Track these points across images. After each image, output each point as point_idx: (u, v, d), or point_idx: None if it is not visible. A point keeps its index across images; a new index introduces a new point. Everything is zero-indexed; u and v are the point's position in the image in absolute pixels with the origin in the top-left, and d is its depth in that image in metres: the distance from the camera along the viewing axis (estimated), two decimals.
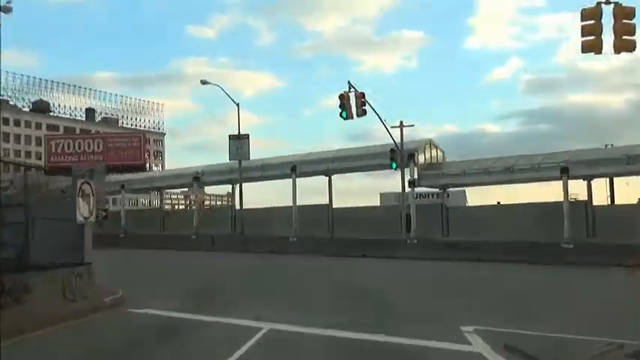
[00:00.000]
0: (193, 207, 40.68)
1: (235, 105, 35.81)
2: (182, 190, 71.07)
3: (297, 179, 34.53)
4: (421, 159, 31.60)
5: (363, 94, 26.34)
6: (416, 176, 30.98)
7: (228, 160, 36.14)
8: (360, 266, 24.69)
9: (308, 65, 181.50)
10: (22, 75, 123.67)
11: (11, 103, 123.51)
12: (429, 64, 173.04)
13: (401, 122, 30.99)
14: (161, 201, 45.82)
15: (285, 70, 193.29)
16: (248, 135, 35.74)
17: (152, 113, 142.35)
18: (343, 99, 25.92)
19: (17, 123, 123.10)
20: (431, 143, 32.85)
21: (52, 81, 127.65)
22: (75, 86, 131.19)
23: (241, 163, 35.52)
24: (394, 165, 30.26)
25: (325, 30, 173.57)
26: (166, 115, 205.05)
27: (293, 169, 34.02)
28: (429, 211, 31.62)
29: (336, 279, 19.74)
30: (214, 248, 34.26)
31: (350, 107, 26.05)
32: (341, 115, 25.81)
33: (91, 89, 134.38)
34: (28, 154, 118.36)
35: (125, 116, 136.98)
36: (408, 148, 30.84)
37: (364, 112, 26.39)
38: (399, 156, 30.16)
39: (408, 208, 30.74)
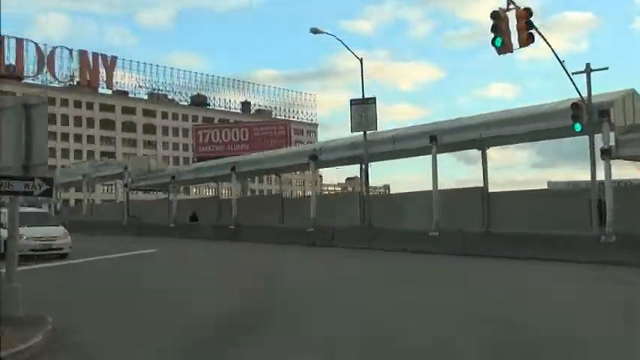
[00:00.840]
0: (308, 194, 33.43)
1: (359, 60, 27.73)
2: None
3: (439, 154, 25.81)
4: (619, 118, 21.38)
5: (528, 12, 17.11)
6: (612, 142, 20.87)
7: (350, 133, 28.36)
8: (543, 278, 15.80)
9: (465, 54, 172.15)
10: (184, 71, 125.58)
11: (169, 97, 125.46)
12: (599, 47, 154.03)
13: (588, 65, 21.14)
14: (280, 185, 39.32)
15: (443, 60, 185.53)
16: (374, 98, 27.50)
17: (306, 105, 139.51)
18: (499, 19, 16.86)
19: (175, 116, 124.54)
20: (633, 95, 22.36)
21: (212, 75, 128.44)
22: (234, 80, 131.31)
23: (366, 134, 27.47)
24: (578, 126, 20.44)
25: (482, 17, 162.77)
26: (322, 110, 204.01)
27: (433, 139, 25.24)
28: (632, 194, 21.55)
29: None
30: (333, 243, 26.65)
31: (507, 33, 16.93)
32: (494, 43, 16.72)
33: (248, 82, 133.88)
34: (175, 145, 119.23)
35: (279, 108, 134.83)
36: (599, 102, 20.94)
37: (530, 40, 17.09)
38: (584, 112, 20.36)
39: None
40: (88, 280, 16.08)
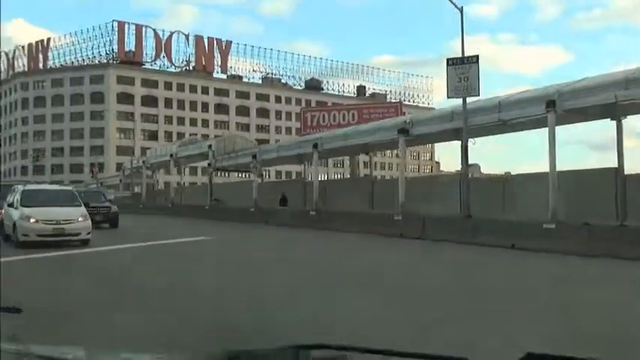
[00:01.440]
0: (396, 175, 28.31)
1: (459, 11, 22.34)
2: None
3: (558, 127, 20.05)
4: None
5: None
6: None
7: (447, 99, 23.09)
8: None
9: (596, 37, 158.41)
10: (298, 54, 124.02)
11: (283, 81, 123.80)
12: None
13: None
14: (370, 165, 34.54)
15: (571, 43, 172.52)
16: (477, 57, 21.90)
17: (422, 89, 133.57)
18: None
19: (288, 100, 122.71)
20: None
21: (328, 59, 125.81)
22: (349, 63, 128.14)
23: (466, 101, 22.09)
24: None
25: None
26: (439, 96, 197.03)
27: (550, 104, 19.49)
28: None
29: None
30: (424, 235, 21.75)
31: None
32: None
33: (364, 65, 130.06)
34: (288, 130, 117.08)
35: (394, 92, 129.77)
36: None
37: None
38: None
39: None
40: (65, 282, 12.33)
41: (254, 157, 33.93)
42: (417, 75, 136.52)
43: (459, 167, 23.66)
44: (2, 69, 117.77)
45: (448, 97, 22.56)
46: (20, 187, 18.47)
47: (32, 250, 15.47)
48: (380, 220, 24.76)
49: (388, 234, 22.87)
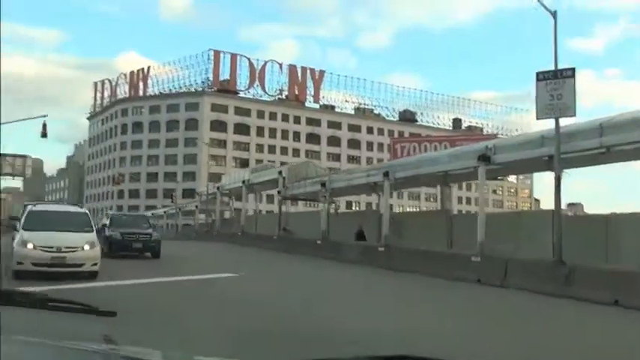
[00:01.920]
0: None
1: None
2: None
3: None
4: None
5: None
6: None
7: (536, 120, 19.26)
8: None
9: None
10: (392, 85, 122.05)
11: (376, 112, 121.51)
12: None
13: None
14: (447, 198, 30.68)
15: None
16: (573, 70, 18.22)
17: (522, 124, 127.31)
18: None
19: (381, 132, 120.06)
20: None
21: (423, 90, 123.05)
22: (445, 95, 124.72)
23: (559, 122, 18.28)
24: None
25: None
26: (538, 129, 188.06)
27: None
28: None
29: None
30: (506, 282, 18.06)
31: None
32: None
33: (459, 97, 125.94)
34: (380, 161, 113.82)
35: (491, 125, 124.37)
36: None
37: None
38: None
39: None
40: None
41: (323, 185, 31.17)
42: (518, 109, 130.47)
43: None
44: (105, 95, 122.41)
45: (537, 119, 18.81)
46: (29, 207, 16.36)
47: (27, 282, 13.19)
48: (455, 262, 21.19)
49: (463, 278, 19.31)
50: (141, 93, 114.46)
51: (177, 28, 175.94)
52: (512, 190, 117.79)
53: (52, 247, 14.09)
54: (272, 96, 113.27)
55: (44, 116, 38.62)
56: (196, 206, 57.02)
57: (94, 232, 15.63)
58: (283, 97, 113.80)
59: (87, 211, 17.08)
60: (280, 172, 35.64)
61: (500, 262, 19.33)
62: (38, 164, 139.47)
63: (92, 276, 14.62)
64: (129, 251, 22.18)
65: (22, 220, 15.21)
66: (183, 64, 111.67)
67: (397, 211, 55.00)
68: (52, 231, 14.37)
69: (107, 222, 24.05)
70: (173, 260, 22.23)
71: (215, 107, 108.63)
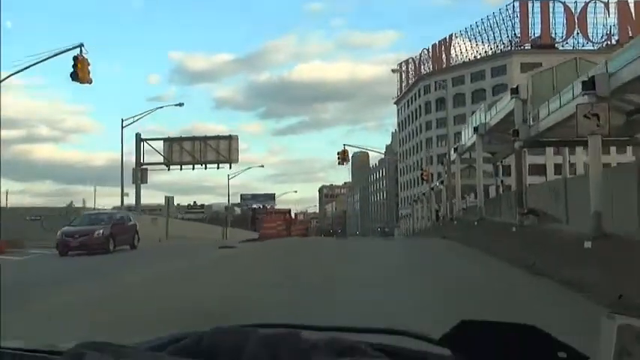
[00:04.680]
0: None
1: None
2: None
3: None
4: None
5: None
6: None
7: None
8: None
9: None
10: None
11: None
12: None
13: None
14: None
15: None
16: None
17: None
18: None
19: None
20: None
21: None
22: None
23: None
24: None
25: None
26: None
27: None
28: None
29: None
30: None
31: None
32: None
33: None
34: None
35: None
36: None
37: None
38: None
39: None
40: None
41: None
42: None
43: None
44: (404, 78, 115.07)
45: None
46: None
47: None
48: None
49: None
50: (444, 66, 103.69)
51: None
52: None
53: None
54: (597, 43, 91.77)
55: None
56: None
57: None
58: (613, 42, 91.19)
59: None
60: (515, 90, 20.32)
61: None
62: (364, 157, 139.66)
63: None
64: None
65: None
66: (486, 24, 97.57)
67: None
68: None
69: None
70: None
71: (525, 67, 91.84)
